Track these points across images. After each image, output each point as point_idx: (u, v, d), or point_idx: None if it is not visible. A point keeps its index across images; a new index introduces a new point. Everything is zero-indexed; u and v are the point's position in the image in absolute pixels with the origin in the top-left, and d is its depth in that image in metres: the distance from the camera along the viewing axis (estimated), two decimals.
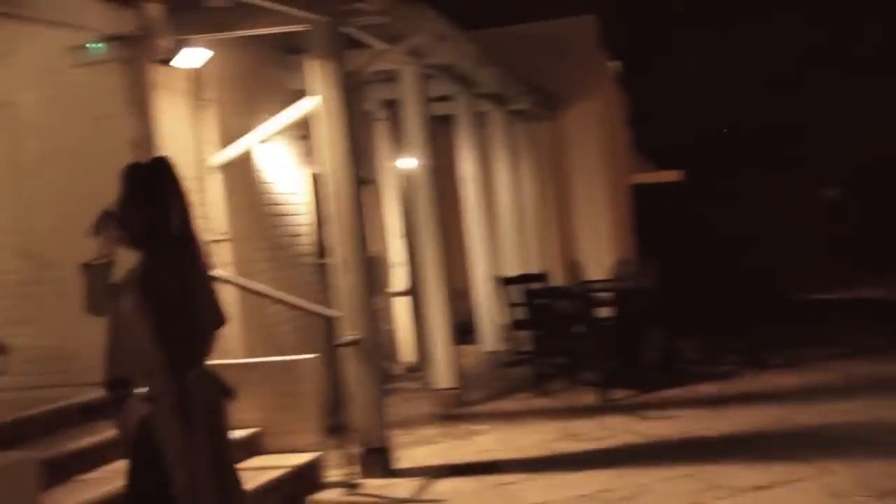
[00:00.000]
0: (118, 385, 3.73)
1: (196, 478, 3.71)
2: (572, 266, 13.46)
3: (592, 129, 15.18)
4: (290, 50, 9.09)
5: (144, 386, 3.68)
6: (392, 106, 11.37)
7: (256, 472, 6.38)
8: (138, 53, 6.71)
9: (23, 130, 6.92)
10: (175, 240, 3.75)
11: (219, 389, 3.89)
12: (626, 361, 10.07)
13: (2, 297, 6.61)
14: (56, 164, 6.80)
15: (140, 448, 3.73)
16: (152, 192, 3.74)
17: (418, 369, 11.38)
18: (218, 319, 3.89)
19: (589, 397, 9.34)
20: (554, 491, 6.40)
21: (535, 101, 13.62)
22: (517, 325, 11.09)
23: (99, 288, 3.76)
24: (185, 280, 3.74)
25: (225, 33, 7.41)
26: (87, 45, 6.33)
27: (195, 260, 3.83)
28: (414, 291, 11.46)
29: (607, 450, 7.44)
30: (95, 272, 3.75)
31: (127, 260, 3.84)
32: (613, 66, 16.98)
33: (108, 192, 6.42)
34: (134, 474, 3.78)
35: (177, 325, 3.68)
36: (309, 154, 9.57)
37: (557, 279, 13.16)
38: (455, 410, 9.26)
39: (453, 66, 10.13)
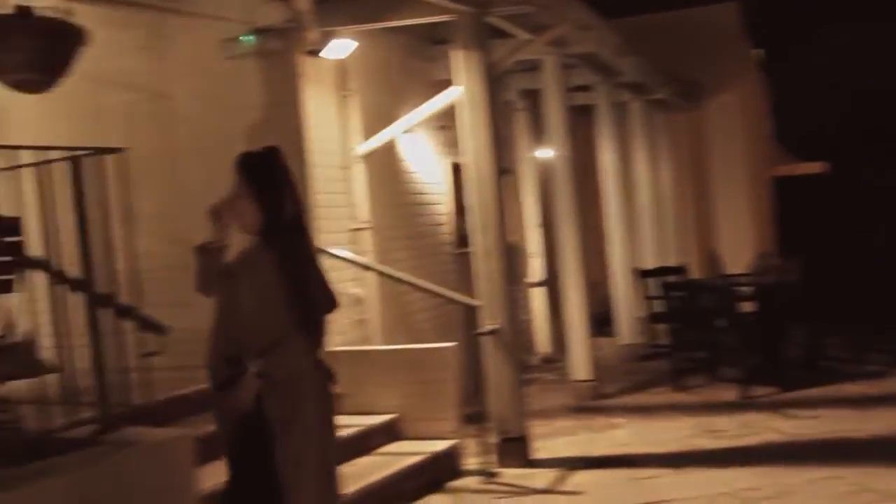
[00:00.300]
0: (229, 364, 3.80)
1: (302, 459, 3.77)
2: (712, 259, 13.19)
3: (734, 120, 14.83)
4: (433, 40, 9.16)
5: (255, 364, 3.74)
6: (531, 96, 11.35)
7: (396, 457, 6.49)
8: (287, 45, 6.86)
9: (176, 121, 7.14)
10: (288, 225, 3.84)
11: (327, 374, 3.95)
12: (769, 358, 9.81)
13: (154, 280, 6.86)
14: (206, 153, 7.00)
15: (247, 430, 3.81)
16: (267, 180, 3.84)
17: (554, 360, 11.36)
18: (330, 304, 3.95)
19: (729, 393, 9.15)
20: (694, 487, 6.29)
21: (675, 91, 13.38)
22: (655, 317, 10.95)
23: (212, 270, 3.86)
24: (300, 265, 3.82)
25: (371, 24, 7.51)
26: (241, 38, 6.51)
27: (307, 245, 3.92)
28: (550, 282, 11.43)
29: (749, 447, 7.27)
30: (209, 255, 3.86)
31: (238, 244, 3.95)
32: (756, 54, 16.53)
33: None
34: (239, 460, 3.87)
35: (294, 308, 3.77)
36: (448, 144, 9.64)
37: (695, 272, 12.93)
38: (591, 402, 9.21)
39: (595, 55, 10.03)
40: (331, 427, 3.96)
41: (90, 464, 4.32)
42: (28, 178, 4.54)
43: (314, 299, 3.85)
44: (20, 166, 4.38)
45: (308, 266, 3.89)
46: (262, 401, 3.77)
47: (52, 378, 4.70)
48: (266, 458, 3.79)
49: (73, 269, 4.70)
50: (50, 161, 4.56)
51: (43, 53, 4.64)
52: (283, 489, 3.78)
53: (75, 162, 4.58)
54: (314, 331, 3.83)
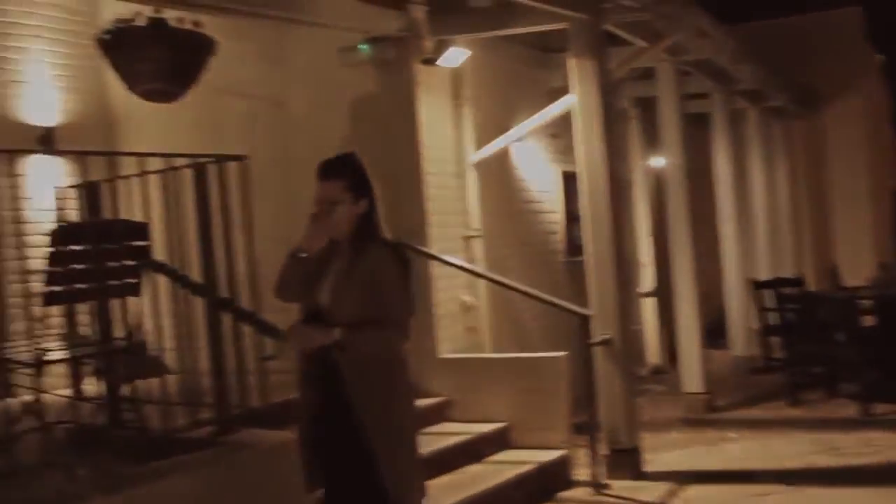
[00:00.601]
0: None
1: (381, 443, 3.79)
2: (830, 271, 12.84)
3: (854, 128, 14.41)
4: (546, 48, 9.14)
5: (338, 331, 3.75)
6: (644, 104, 11.23)
7: (506, 465, 6.47)
8: (403, 54, 6.92)
9: (293, 128, 7.27)
10: (378, 230, 3.87)
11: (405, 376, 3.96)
12: (890, 373, 9.48)
13: (272, 285, 7.00)
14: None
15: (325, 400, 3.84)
16: (363, 184, 3.86)
17: (664, 371, 11.20)
18: (409, 310, 3.96)
19: (848, 410, 8.87)
20: None
21: (793, 98, 13.07)
22: (769, 330, 10.70)
23: (296, 277, 3.89)
24: (394, 268, 3.86)
25: (486, 33, 7.53)
26: (359, 46, 6.58)
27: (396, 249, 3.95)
28: (661, 292, 11.27)
29: (870, 467, 7.03)
30: (298, 262, 3.88)
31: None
32: (878, 59, 16.03)
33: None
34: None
35: (397, 306, 3.81)
36: (559, 152, 9.60)
37: (811, 284, 12.60)
38: (703, 415, 9.04)
39: (711, 62, 9.87)
40: (407, 421, 3.95)
41: (209, 464, 4.43)
42: (155, 185, 4.68)
43: (412, 301, 3.90)
44: (148, 173, 4.52)
45: (396, 268, 3.92)
46: (339, 374, 3.78)
47: (173, 379, 4.83)
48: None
49: (195, 273, 4.83)
50: (175, 168, 4.69)
51: (174, 64, 4.77)
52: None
53: (199, 169, 4.71)
54: (404, 331, 3.85)
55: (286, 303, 4.02)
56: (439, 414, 6.84)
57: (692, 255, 9.21)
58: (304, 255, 3.84)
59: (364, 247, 3.82)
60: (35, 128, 7.04)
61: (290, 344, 3.90)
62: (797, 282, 11.42)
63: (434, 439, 6.44)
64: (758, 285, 10.92)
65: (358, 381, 3.76)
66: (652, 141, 11.42)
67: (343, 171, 3.86)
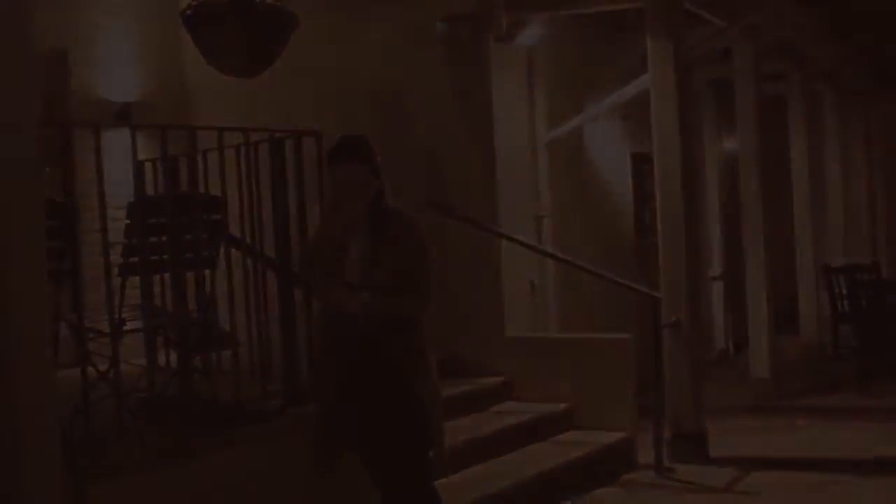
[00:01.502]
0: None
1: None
2: None
3: None
4: (620, 28, 9.04)
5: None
6: (717, 84, 11.07)
7: (569, 446, 6.47)
8: (478, 32, 6.89)
9: (365, 106, 7.22)
10: (388, 206, 3.97)
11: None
12: None
13: None
14: (396, 140, 7.10)
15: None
16: (378, 165, 3.94)
17: (731, 356, 11.09)
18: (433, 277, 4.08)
19: None
20: (880, 498, 6.03)
21: (873, 81, 12.77)
22: (842, 317, 10.52)
23: (328, 257, 3.97)
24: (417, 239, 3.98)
25: (561, 11, 7.48)
26: (438, 24, 6.57)
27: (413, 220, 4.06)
28: (730, 276, 11.15)
29: None
30: (328, 243, 3.96)
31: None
32: None
33: (446, 170, 6.69)
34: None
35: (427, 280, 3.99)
36: (631, 133, 9.52)
37: (886, 271, 12.35)
38: (771, 402, 8.93)
39: (789, 42, 9.67)
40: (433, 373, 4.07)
41: (277, 435, 4.51)
42: (231, 160, 4.74)
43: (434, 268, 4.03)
44: (224, 147, 4.58)
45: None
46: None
47: (243, 351, 4.91)
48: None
49: (269, 247, 4.89)
50: (252, 143, 4.75)
51: (257, 39, 4.80)
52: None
53: (275, 144, 4.77)
54: (429, 296, 3.98)
55: (312, 282, 4.19)
56: (504, 393, 6.85)
57: (764, 238, 9.08)
58: (334, 235, 3.94)
59: (383, 223, 3.92)
60: (113, 103, 7.19)
61: (320, 301, 4.11)
62: (871, 268, 11.22)
63: (498, 418, 6.47)
64: (831, 271, 10.74)
65: (391, 340, 3.92)
66: (725, 123, 11.26)
67: (364, 153, 3.94)
